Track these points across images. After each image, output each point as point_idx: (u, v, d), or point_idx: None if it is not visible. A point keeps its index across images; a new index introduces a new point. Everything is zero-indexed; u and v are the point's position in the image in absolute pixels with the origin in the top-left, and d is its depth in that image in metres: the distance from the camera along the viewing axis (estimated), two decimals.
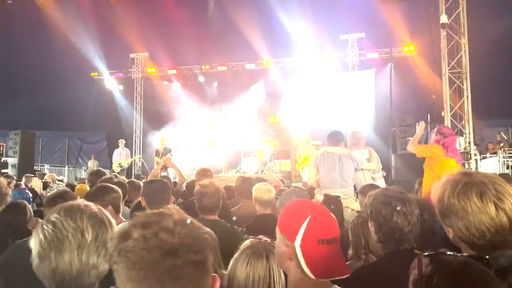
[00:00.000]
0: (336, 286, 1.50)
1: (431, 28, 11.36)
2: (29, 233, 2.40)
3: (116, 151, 14.25)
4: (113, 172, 12.32)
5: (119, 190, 3.03)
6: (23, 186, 5.97)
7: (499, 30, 12.56)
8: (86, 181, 6.13)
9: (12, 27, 14.19)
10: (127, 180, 5.41)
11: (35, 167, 14.89)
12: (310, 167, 6.37)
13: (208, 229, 1.00)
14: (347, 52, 16.24)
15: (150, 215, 0.94)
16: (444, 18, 10.55)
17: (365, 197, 2.74)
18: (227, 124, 17.16)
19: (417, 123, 5.51)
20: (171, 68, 17.69)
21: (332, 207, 3.69)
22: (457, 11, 10.79)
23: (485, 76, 12.48)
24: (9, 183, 3.36)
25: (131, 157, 15.04)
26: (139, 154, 17.68)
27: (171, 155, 11.95)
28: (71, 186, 6.60)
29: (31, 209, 3.45)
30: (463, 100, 10.90)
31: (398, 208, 2.05)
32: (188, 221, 0.95)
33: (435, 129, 5.02)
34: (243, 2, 15.47)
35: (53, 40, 15.84)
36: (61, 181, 9.23)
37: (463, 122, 10.90)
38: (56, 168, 19.02)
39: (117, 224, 1.55)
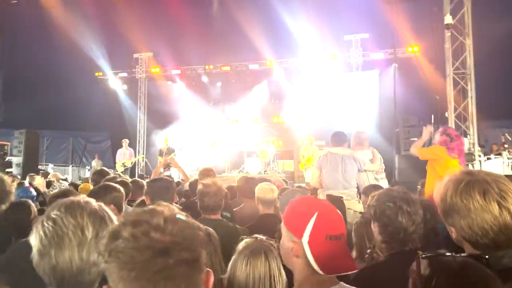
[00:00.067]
0: (342, 283, 1.50)
1: (434, 29, 11.32)
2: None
3: (119, 151, 14.29)
4: (117, 171, 12.34)
5: (122, 189, 3.03)
6: (27, 184, 5.99)
7: (504, 30, 12.50)
8: (90, 181, 6.15)
9: (17, 27, 14.25)
10: (130, 179, 5.42)
11: (40, 166, 14.94)
12: (313, 168, 6.36)
13: (200, 225, 0.96)
14: (351, 52, 16.22)
15: (140, 213, 0.92)
16: (448, 19, 10.50)
17: (368, 198, 2.73)
18: (230, 124, 17.18)
19: (423, 126, 5.45)
20: (175, 68, 17.72)
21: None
22: (462, 12, 10.74)
23: (490, 77, 12.42)
24: (12, 182, 3.36)
25: (135, 156, 15.07)
26: (143, 153, 17.72)
27: (175, 155, 11.96)
28: (74, 185, 6.62)
29: (35, 208, 3.47)
30: (467, 101, 10.85)
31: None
32: (181, 217, 0.93)
33: (440, 130, 4.99)
34: (247, 3, 15.48)
35: (58, 40, 15.89)
36: (65, 180, 9.26)
37: (467, 123, 10.85)
38: (60, 167, 19.06)
39: None
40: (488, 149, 12.86)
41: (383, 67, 15.74)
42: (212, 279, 0.97)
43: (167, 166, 11.40)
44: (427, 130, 5.35)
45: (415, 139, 11.14)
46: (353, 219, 3.51)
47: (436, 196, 1.53)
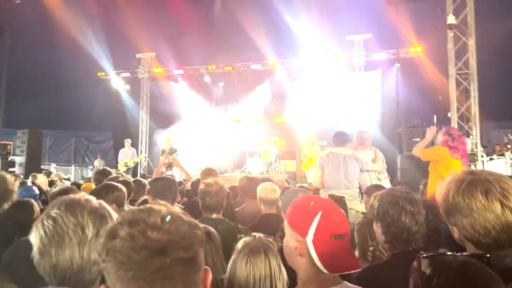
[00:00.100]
0: (346, 282, 1.50)
1: (437, 29, 11.30)
2: None
3: (122, 151, 14.31)
4: (119, 171, 12.36)
5: (124, 189, 3.04)
6: (29, 184, 6.01)
7: (506, 30, 12.47)
8: (92, 180, 6.16)
9: (19, 27, 14.30)
10: (132, 179, 5.43)
11: (42, 166, 14.98)
12: (315, 168, 6.36)
13: (198, 223, 0.95)
14: (353, 52, 16.19)
15: (137, 212, 0.91)
16: (451, 19, 10.47)
17: (370, 198, 2.72)
18: (232, 124, 17.19)
19: (427, 128, 5.42)
20: (178, 68, 17.74)
21: None
22: (465, 12, 10.72)
23: (493, 77, 12.40)
24: (14, 181, 3.38)
25: (137, 156, 15.09)
26: (145, 153, 17.74)
27: (177, 154, 11.97)
28: (77, 185, 6.63)
29: (38, 207, 3.47)
30: (470, 102, 10.82)
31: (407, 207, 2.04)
32: (178, 216, 0.92)
33: (443, 130, 4.97)
34: (249, 3, 15.48)
35: (60, 40, 15.94)
36: (68, 179, 9.28)
37: (470, 123, 10.82)
38: (63, 167, 19.11)
39: None
40: (490, 149, 12.83)
41: (386, 67, 15.71)
42: (210, 277, 0.97)
43: (169, 166, 11.42)
44: (431, 131, 5.30)
45: (418, 139, 11.13)
46: (355, 219, 3.50)
47: (438, 195, 1.53)
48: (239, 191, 5.08)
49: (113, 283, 0.87)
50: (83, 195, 1.43)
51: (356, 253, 2.70)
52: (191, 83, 18.00)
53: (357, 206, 4.72)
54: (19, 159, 13.11)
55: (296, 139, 15.47)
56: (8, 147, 13.27)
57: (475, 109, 10.81)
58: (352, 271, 1.46)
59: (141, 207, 0.94)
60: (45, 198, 5.61)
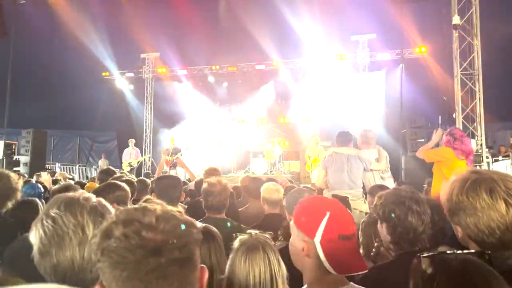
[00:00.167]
0: (352, 284, 1.49)
1: (442, 29, 11.25)
2: None
3: (126, 151, 14.35)
4: (123, 171, 12.39)
5: (127, 188, 3.02)
6: (34, 182, 6.03)
7: None
8: (96, 179, 6.17)
9: (24, 27, 14.36)
10: (136, 178, 5.44)
11: (47, 166, 15.05)
12: (319, 168, 6.35)
13: (195, 222, 0.95)
14: (357, 53, 16.16)
15: (132, 211, 0.91)
16: (456, 19, 10.43)
17: (374, 198, 2.71)
18: (236, 124, 17.20)
19: (434, 130, 5.39)
20: (182, 68, 17.77)
21: None
22: (470, 12, 10.66)
23: (498, 78, 12.34)
24: (18, 179, 3.39)
25: (141, 156, 15.13)
26: (149, 153, 17.78)
27: (181, 154, 11.98)
28: (80, 184, 6.65)
29: (42, 206, 3.48)
30: (475, 102, 10.76)
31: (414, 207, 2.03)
32: (174, 215, 0.91)
33: (447, 131, 4.96)
34: (253, 3, 15.48)
35: (65, 40, 16.00)
36: (72, 179, 9.30)
37: (475, 124, 10.76)
38: (67, 166, 19.21)
39: None
40: (496, 150, 12.77)
41: (390, 67, 15.67)
42: (206, 275, 0.96)
43: (173, 166, 11.43)
44: (437, 134, 5.27)
45: (422, 140, 11.11)
46: (359, 219, 3.48)
47: (442, 195, 1.51)
48: (242, 191, 5.07)
49: (108, 283, 0.87)
50: (82, 193, 1.42)
51: (361, 251, 2.69)
52: (195, 83, 18.03)
53: (361, 206, 4.70)
54: (24, 159, 13.18)
55: (300, 139, 15.46)
56: (13, 146, 13.35)
57: (480, 110, 10.75)
58: (359, 273, 1.45)
59: (136, 206, 0.94)
60: (48, 196, 5.63)
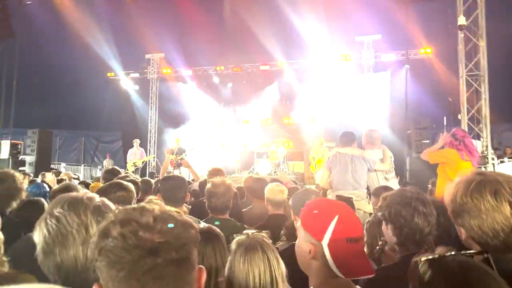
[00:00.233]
0: (359, 287, 1.49)
1: (447, 30, 11.20)
2: None
3: (130, 151, 14.38)
4: (127, 171, 12.43)
5: (131, 189, 3.00)
6: (39, 181, 6.06)
7: None
8: (101, 179, 6.19)
9: (30, 28, 14.46)
10: (140, 178, 5.45)
11: (52, 165, 15.12)
12: (323, 169, 6.33)
13: (193, 223, 0.94)
14: (362, 54, 16.12)
15: (130, 211, 0.90)
16: (462, 20, 10.37)
17: (379, 199, 2.70)
18: (241, 125, 17.21)
19: (440, 134, 5.36)
20: (186, 69, 17.81)
21: None
22: (476, 13, 10.60)
23: (504, 78, 12.26)
24: (24, 179, 3.41)
25: (146, 156, 15.16)
26: (154, 154, 17.82)
27: (185, 155, 11.99)
28: (85, 184, 6.68)
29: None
30: (481, 103, 10.70)
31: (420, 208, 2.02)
32: (171, 215, 0.91)
33: (450, 132, 4.94)
34: (258, 4, 15.48)
35: (70, 40, 16.09)
36: (77, 179, 9.34)
37: (481, 125, 10.69)
38: (72, 166, 19.28)
39: None
40: (502, 152, 12.69)
41: (395, 68, 15.62)
42: (204, 276, 0.96)
43: (177, 166, 11.45)
44: (443, 137, 5.22)
45: (427, 141, 11.06)
46: (363, 220, 3.46)
47: (446, 196, 1.50)
48: (245, 192, 5.07)
49: (105, 282, 0.87)
50: (85, 193, 1.43)
51: (365, 249, 2.67)
52: (199, 83, 18.07)
53: (365, 207, 4.69)
54: (29, 159, 13.24)
55: (304, 140, 15.44)
56: (19, 146, 13.42)
57: (485, 111, 10.68)
58: (366, 276, 1.44)
59: (135, 206, 0.93)
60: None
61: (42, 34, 16.12)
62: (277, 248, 2.66)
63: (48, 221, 1.31)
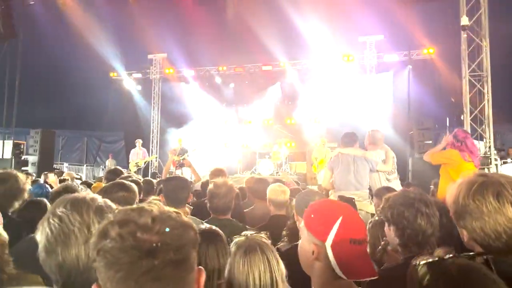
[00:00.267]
0: None
1: (450, 31, 11.17)
2: None
3: (133, 151, 14.41)
4: (130, 171, 12.45)
5: (133, 188, 3.00)
6: (42, 182, 6.07)
7: None
8: (103, 179, 6.20)
9: (33, 28, 14.49)
10: (142, 179, 5.45)
11: (55, 165, 15.15)
12: (325, 169, 6.33)
13: (193, 224, 0.93)
14: (365, 54, 16.10)
15: (128, 212, 0.90)
16: (465, 20, 10.35)
17: (381, 200, 2.69)
18: (243, 125, 17.20)
19: (444, 135, 5.34)
20: (189, 69, 17.82)
21: None
22: (479, 13, 10.57)
23: (507, 79, 12.21)
24: (27, 179, 3.42)
25: (148, 156, 15.18)
26: (156, 154, 17.84)
27: (188, 155, 12.00)
28: (87, 184, 6.69)
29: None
30: (484, 104, 10.67)
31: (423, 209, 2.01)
32: (170, 216, 0.90)
33: (451, 133, 4.94)
34: (260, 4, 15.48)
35: (73, 40, 16.12)
36: (79, 179, 9.36)
37: (484, 126, 10.66)
38: (75, 166, 19.33)
39: None
40: (505, 152, 12.64)
41: (398, 69, 15.60)
42: (203, 276, 0.95)
43: (179, 166, 11.47)
44: (446, 139, 5.21)
45: (430, 141, 11.03)
46: (365, 220, 3.46)
47: (448, 197, 1.50)
48: (247, 192, 5.07)
49: (104, 283, 0.86)
50: (88, 193, 1.44)
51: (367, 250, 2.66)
52: (202, 84, 18.08)
53: (367, 207, 4.68)
54: (32, 158, 13.28)
55: (306, 140, 15.42)
56: (22, 146, 13.45)
57: (488, 112, 10.65)
58: (369, 278, 1.43)
59: (134, 206, 0.93)
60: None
61: (45, 34, 16.16)
62: (278, 248, 2.66)
63: (51, 220, 1.32)
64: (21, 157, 13.10)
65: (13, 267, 1.70)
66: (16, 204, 3.10)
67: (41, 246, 1.31)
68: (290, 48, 16.03)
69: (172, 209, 0.94)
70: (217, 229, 2.13)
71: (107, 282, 0.85)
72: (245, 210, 4.40)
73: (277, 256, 1.77)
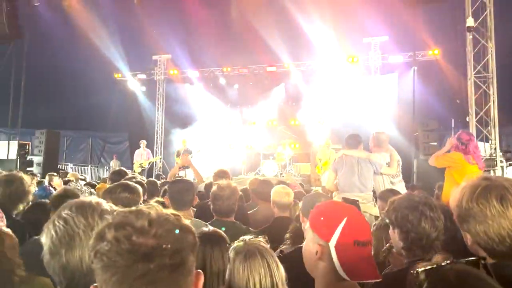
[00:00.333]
0: None
1: (455, 32, 11.13)
2: None
3: (137, 152, 14.43)
4: (134, 172, 12.48)
5: (137, 190, 3.00)
6: (46, 184, 6.10)
7: None
8: (108, 180, 6.21)
9: (38, 29, 14.59)
10: (146, 180, 5.46)
11: (59, 166, 15.22)
12: (329, 171, 6.32)
13: (191, 227, 0.93)
14: (369, 55, 16.06)
15: (126, 215, 0.89)
16: (470, 21, 10.30)
17: (385, 203, 2.67)
18: (247, 126, 17.20)
19: (448, 138, 5.31)
20: (193, 70, 17.85)
21: None
22: (484, 14, 10.53)
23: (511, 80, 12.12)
24: (32, 180, 3.44)
25: (152, 157, 15.21)
26: (161, 155, 17.88)
27: (191, 156, 12.02)
28: (91, 185, 6.71)
29: None
30: (489, 105, 10.61)
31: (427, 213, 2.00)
32: (168, 219, 0.89)
33: (455, 135, 4.92)
34: (265, 5, 15.48)
35: (78, 42, 16.19)
36: (83, 179, 9.39)
37: (489, 128, 10.61)
38: (79, 167, 19.39)
39: None
40: (511, 154, 12.55)
41: (403, 70, 15.55)
42: (202, 280, 0.95)
43: (182, 167, 11.48)
44: (450, 141, 5.18)
45: (435, 143, 10.99)
46: (369, 222, 3.44)
47: (452, 201, 1.49)
48: (251, 194, 5.06)
49: (100, 285, 0.87)
50: (93, 198, 1.46)
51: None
52: (206, 85, 18.09)
53: (371, 210, 4.66)
54: (37, 159, 13.35)
55: (310, 141, 15.39)
56: (27, 147, 13.53)
57: (494, 113, 10.59)
58: (372, 280, 1.43)
59: (132, 208, 0.92)
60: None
61: (50, 35, 16.23)
62: (282, 250, 2.65)
63: (56, 222, 1.34)
64: (26, 158, 13.18)
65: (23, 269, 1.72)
66: (21, 206, 3.11)
67: (45, 248, 1.33)
68: (295, 49, 16.02)
69: (170, 212, 0.94)
70: (220, 232, 2.13)
71: (103, 284, 0.86)
72: (248, 212, 4.40)
73: (277, 260, 1.77)
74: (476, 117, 10.62)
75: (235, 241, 1.87)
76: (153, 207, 0.93)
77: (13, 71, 12.71)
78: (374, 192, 5.03)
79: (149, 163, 14.61)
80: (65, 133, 19.58)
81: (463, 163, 4.60)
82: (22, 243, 2.32)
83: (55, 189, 5.76)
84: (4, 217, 2.30)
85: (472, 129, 10.32)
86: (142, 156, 14.20)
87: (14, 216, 3.09)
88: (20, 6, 12.05)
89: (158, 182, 5.60)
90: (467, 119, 10.77)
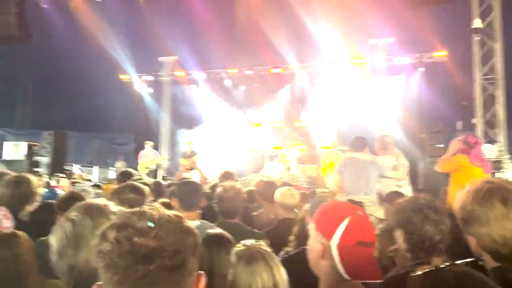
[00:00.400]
0: None
1: (462, 33, 11.08)
2: None
3: (142, 153, 14.44)
4: (140, 173, 12.50)
5: (144, 191, 3.01)
6: (54, 184, 6.16)
7: None
8: (115, 180, 6.25)
9: (46, 31, 14.71)
10: (151, 180, 5.49)
11: (66, 167, 15.30)
12: (334, 173, 6.32)
13: (193, 229, 0.94)
14: (375, 57, 16.00)
15: (128, 216, 0.91)
16: (477, 23, 10.27)
17: (391, 205, 2.67)
18: (252, 127, 17.21)
19: (451, 141, 5.29)
20: (199, 71, 17.89)
21: None
22: (491, 16, 10.48)
23: None
24: (39, 181, 3.47)
25: (158, 158, 15.23)
26: (167, 156, 17.91)
27: (197, 158, 12.03)
28: (98, 186, 6.76)
29: None
30: (496, 107, 10.55)
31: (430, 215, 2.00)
32: (170, 220, 0.90)
33: (462, 138, 4.90)
34: (271, 7, 15.49)
35: (85, 43, 16.30)
36: (89, 180, 9.46)
37: (496, 130, 10.55)
38: (86, 168, 19.48)
39: None
40: None
41: (409, 72, 15.47)
42: (203, 281, 0.95)
43: (189, 168, 11.50)
44: (453, 145, 5.14)
45: (441, 145, 10.93)
46: (374, 225, 3.44)
47: (456, 204, 1.49)
48: (256, 195, 5.07)
49: (103, 284, 0.88)
50: (101, 200, 1.49)
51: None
52: (212, 86, 18.11)
53: (376, 212, 4.65)
54: (44, 160, 13.44)
55: (316, 143, 15.36)
56: (35, 147, 13.64)
57: (501, 115, 10.53)
58: (373, 281, 1.43)
59: (135, 209, 0.93)
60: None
61: (57, 37, 16.37)
62: (287, 251, 2.66)
63: (65, 223, 1.37)
64: (33, 159, 13.28)
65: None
66: (28, 208, 3.13)
67: (53, 248, 1.35)
68: (300, 50, 15.99)
69: (173, 213, 0.95)
70: (225, 233, 2.14)
71: (104, 284, 0.87)
72: (253, 214, 4.40)
73: (279, 263, 1.77)
74: (483, 119, 10.56)
75: (237, 245, 1.88)
76: (156, 208, 0.94)
77: (21, 73, 12.81)
78: (379, 194, 5.02)
79: (156, 164, 14.63)
80: (71, 134, 19.69)
81: (468, 165, 4.58)
82: None
83: (63, 190, 5.83)
84: (12, 218, 2.32)
85: (479, 132, 10.26)
86: (147, 157, 14.21)
87: (20, 217, 3.11)
88: (28, 9, 12.17)
89: (164, 183, 5.62)
90: (474, 121, 10.72)
